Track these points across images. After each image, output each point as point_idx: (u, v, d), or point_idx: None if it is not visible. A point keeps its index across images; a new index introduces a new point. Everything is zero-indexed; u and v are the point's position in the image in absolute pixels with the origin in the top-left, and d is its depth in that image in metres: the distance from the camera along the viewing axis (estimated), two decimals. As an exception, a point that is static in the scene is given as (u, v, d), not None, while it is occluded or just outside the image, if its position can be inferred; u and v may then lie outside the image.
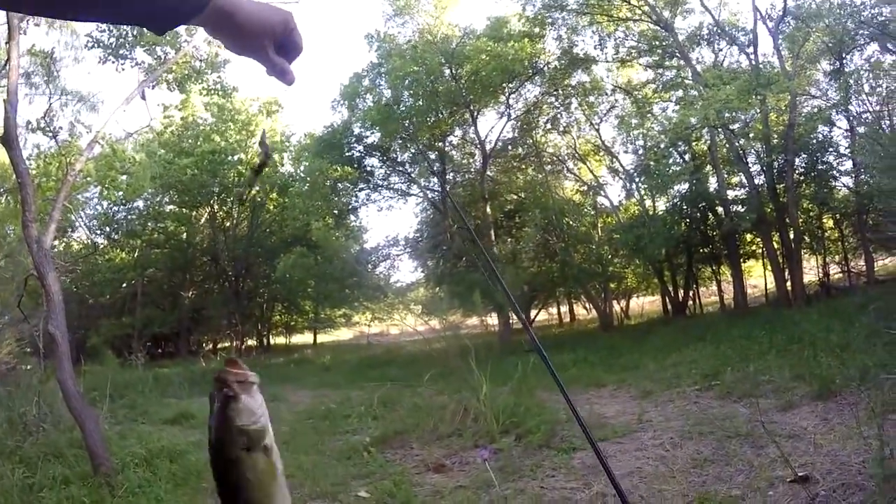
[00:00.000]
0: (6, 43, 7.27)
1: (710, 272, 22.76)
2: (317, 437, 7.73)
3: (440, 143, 23.05)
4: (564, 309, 30.21)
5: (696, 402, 7.23)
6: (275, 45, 0.91)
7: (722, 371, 8.19)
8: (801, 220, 17.11)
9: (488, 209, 21.90)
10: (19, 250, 10.66)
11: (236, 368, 0.88)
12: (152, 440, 7.46)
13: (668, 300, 21.76)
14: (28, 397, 8.24)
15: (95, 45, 10.30)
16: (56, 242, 22.48)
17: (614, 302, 24.67)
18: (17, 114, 6.62)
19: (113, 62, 10.23)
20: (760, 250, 19.54)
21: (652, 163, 18.24)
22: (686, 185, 18.26)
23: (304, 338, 34.68)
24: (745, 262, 20.63)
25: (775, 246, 17.42)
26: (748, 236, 19.38)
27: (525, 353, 11.95)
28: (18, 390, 8.91)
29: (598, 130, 23.13)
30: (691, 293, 21.76)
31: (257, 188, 26.34)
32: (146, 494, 5.34)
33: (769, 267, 18.57)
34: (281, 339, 35.55)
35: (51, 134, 10.26)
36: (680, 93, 18.62)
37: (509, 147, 24.38)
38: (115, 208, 27.24)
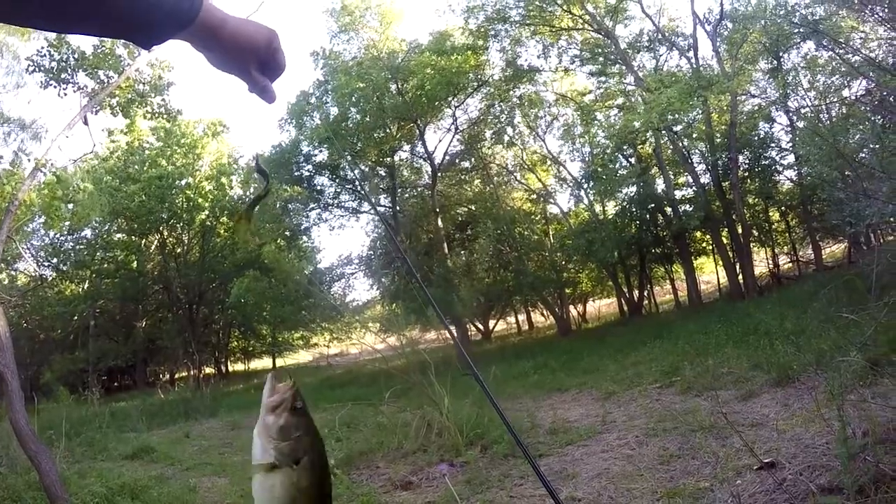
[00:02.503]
0: None
1: (663, 271, 23.23)
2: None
3: (389, 159, 23.04)
4: (522, 317, 30.38)
5: (659, 399, 7.31)
6: (258, 63, 0.91)
7: (681, 367, 8.29)
8: (748, 215, 17.62)
9: (440, 222, 21.95)
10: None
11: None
12: (112, 477, 7.23)
13: (623, 302, 22.10)
14: (-21, 442, 7.92)
15: (37, 70, 10.03)
16: (1, 276, 21.69)
17: (571, 307, 24.95)
18: None
19: (55, 87, 9.96)
20: (711, 247, 20.04)
21: (599, 168, 18.53)
22: (634, 188, 18.59)
23: (264, 362, 34.10)
24: (696, 259, 21.13)
25: (725, 241, 17.86)
26: (698, 234, 19.87)
27: (487, 364, 11.95)
28: (-33, 436, 8.56)
29: (543, 141, 23.49)
30: (646, 293, 22.16)
31: (209, 215, 25.94)
32: (107, 535, 5.08)
33: (720, 262, 19.08)
34: (240, 366, 34.94)
35: (-9, 165, 9.96)
36: (621, 100, 18.99)
37: (457, 160, 24.55)
38: (62, 238, 26.32)
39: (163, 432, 12.45)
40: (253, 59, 0.89)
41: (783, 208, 19.08)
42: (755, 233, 18.39)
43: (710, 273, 23.71)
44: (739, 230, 16.85)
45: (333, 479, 6.19)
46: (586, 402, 8.28)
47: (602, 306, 29.35)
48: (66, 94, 10.14)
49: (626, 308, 21.91)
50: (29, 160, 10.91)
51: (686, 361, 8.55)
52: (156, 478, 7.70)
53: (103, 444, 10.61)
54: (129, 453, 9.65)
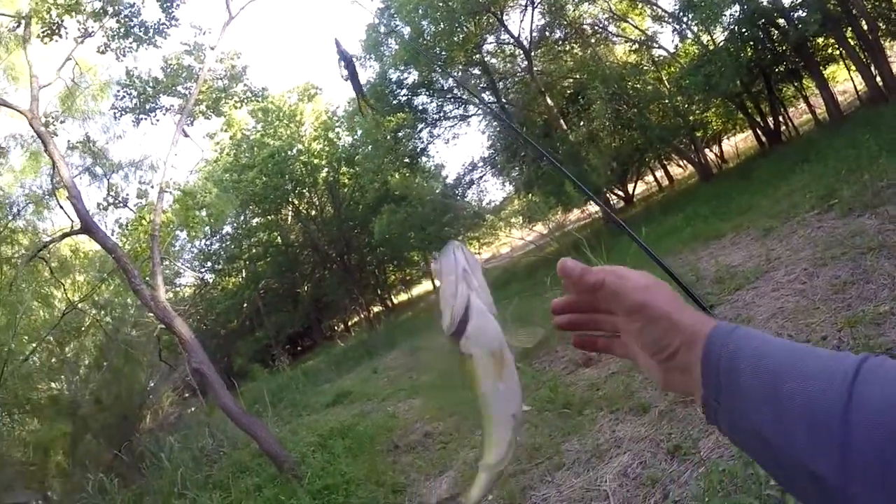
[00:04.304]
0: (45, 150, 7.80)
1: (793, 90, 21.40)
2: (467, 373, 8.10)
3: (478, 56, 22.62)
4: (660, 174, 29.37)
5: (820, 226, 6.96)
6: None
7: (837, 188, 7.78)
8: (868, 6, 15.78)
9: (549, 101, 21.44)
10: (143, 315, 11.50)
11: None
12: (320, 426, 8.10)
13: (759, 132, 20.66)
14: (201, 433, 9.10)
15: (123, 113, 10.71)
16: (170, 295, 24.19)
17: (706, 150, 23.85)
18: (84, 203, 7.27)
19: (146, 119, 10.61)
20: (838, 51, 18.19)
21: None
22: (737, 6, 17.14)
23: (423, 286, 35.56)
24: (825, 68, 19.23)
25: (852, 42, 16.20)
26: (819, 40, 17.89)
27: (637, 227, 11.90)
28: (191, 431, 9.85)
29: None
30: (781, 118, 20.58)
31: (331, 161, 26.94)
32: (330, 474, 5.85)
33: (853, 67, 17.30)
34: (403, 296, 36.69)
35: (121, 204, 10.92)
36: None
37: (546, 33, 23.61)
38: (207, 243, 28.85)
39: (352, 375, 13.56)
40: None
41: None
42: (882, 25, 16.40)
43: (845, 81, 21.62)
44: (864, 26, 15.17)
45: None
46: (746, 244, 8.06)
47: (738, 142, 27.58)
48: (158, 121, 10.84)
49: (763, 138, 20.47)
50: (153, 188, 11.87)
51: (840, 181, 7.98)
52: (358, 415, 8.55)
53: (304, 401, 11.76)
54: (329, 402, 10.73)
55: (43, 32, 8.58)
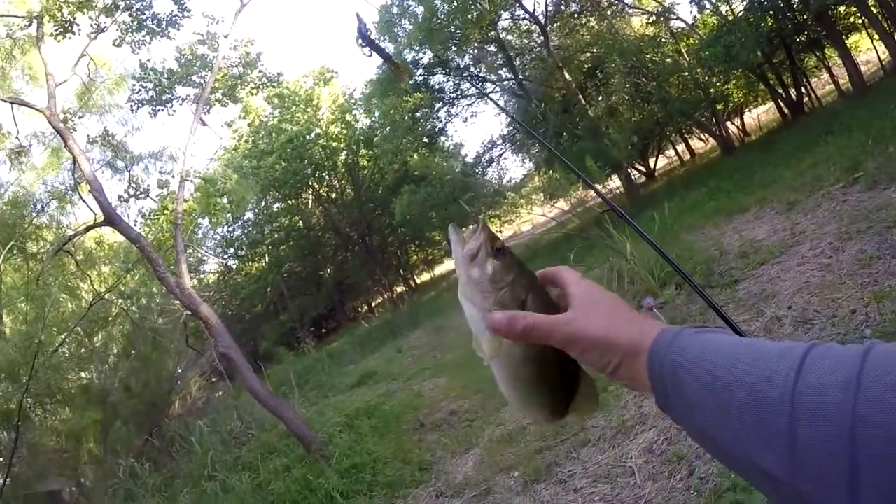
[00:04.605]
0: (65, 146, 7.88)
1: (815, 60, 21.00)
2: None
3: (493, 33, 22.43)
4: (681, 148, 29.07)
5: (845, 199, 6.81)
6: None
7: (862, 160, 7.59)
8: None
9: (567, 75, 21.22)
10: (169, 302, 11.65)
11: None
12: (346, 406, 8.20)
13: (781, 104, 20.30)
14: (229, 416, 9.25)
15: (140, 106, 10.85)
16: (194, 282, 24.55)
17: (728, 123, 23.49)
18: (106, 195, 7.38)
19: (163, 110, 10.76)
20: (861, 20, 17.76)
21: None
22: (756, -25, 16.76)
23: (446, 266, 35.61)
24: (847, 38, 18.82)
25: (874, 11, 15.77)
26: (841, 8, 17.45)
27: (659, 202, 11.77)
28: (219, 414, 10.00)
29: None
30: (803, 89, 20.20)
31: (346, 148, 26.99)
32: (357, 453, 5.93)
33: (876, 35, 16.90)
34: (425, 276, 36.80)
35: (143, 195, 11.04)
36: None
37: (562, 7, 23.34)
38: (229, 229, 29.31)
39: (377, 356, 13.66)
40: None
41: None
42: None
43: (868, 50, 21.15)
44: (887, -9, 14.78)
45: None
46: (770, 218, 7.93)
47: (760, 115, 27.01)
48: (175, 111, 10.97)
49: (785, 110, 20.07)
50: (174, 177, 11.98)
51: (866, 153, 7.78)
52: (383, 395, 8.66)
53: (330, 382, 11.93)
54: (354, 382, 10.83)
55: (56, 31, 8.64)
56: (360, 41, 4.68)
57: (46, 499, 8.79)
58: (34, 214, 12.99)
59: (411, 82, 21.29)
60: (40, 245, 12.42)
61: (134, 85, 10.94)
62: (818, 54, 19.95)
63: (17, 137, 11.03)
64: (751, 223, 8.26)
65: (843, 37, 18.01)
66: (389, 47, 22.01)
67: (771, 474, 0.50)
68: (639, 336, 0.64)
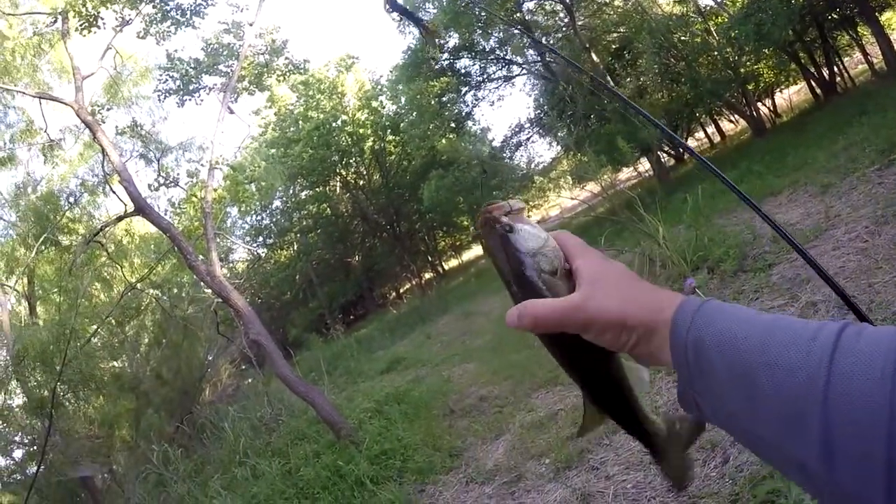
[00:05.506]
0: (93, 139, 7.96)
1: (848, 39, 20.42)
2: (520, 336, 8.05)
3: (518, 15, 22.17)
4: (711, 130, 28.56)
5: (881, 182, 6.58)
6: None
7: None
8: None
9: (594, 56, 20.93)
10: (199, 291, 11.79)
11: (495, 205, 0.76)
12: (376, 392, 8.18)
13: (814, 83, 19.75)
14: (259, 402, 9.33)
15: (167, 95, 10.93)
16: (224, 271, 24.86)
17: (759, 104, 23.00)
18: (135, 185, 7.44)
19: (190, 99, 10.85)
20: None
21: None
22: (787, -51, 16.26)
23: (474, 251, 35.60)
24: (882, 14, 18.24)
25: None
26: None
27: (690, 185, 11.59)
28: (249, 401, 10.11)
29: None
30: (836, 68, 19.67)
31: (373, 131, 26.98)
32: (387, 439, 5.93)
33: None
34: (454, 262, 36.78)
35: (173, 184, 11.16)
36: None
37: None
38: (258, 218, 29.69)
39: (406, 342, 13.69)
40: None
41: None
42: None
43: None
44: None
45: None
46: (803, 201, 7.69)
47: (792, 95, 26.22)
48: (202, 101, 11.07)
49: (818, 90, 19.49)
50: (203, 166, 12.07)
51: None
52: (412, 381, 8.66)
53: (359, 368, 11.94)
54: (384, 368, 10.86)
55: (81, 25, 8.72)
56: (388, 7, 4.64)
57: (79, 485, 9.01)
58: (66, 207, 13.20)
59: (441, 53, 21.09)
60: (73, 238, 12.62)
61: (161, 75, 11.03)
62: (851, 32, 19.37)
63: (46, 132, 11.19)
64: (784, 206, 8.05)
65: (877, 14, 17.45)
66: (414, 31, 21.94)
67: (803, 463, 0.47)
68: (656, 311, 0.61)
